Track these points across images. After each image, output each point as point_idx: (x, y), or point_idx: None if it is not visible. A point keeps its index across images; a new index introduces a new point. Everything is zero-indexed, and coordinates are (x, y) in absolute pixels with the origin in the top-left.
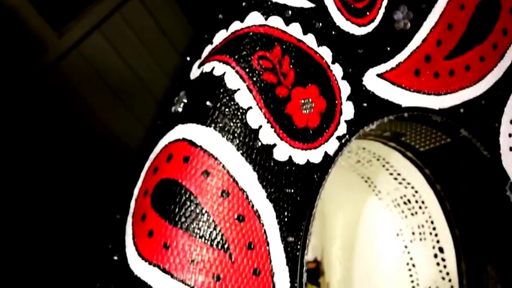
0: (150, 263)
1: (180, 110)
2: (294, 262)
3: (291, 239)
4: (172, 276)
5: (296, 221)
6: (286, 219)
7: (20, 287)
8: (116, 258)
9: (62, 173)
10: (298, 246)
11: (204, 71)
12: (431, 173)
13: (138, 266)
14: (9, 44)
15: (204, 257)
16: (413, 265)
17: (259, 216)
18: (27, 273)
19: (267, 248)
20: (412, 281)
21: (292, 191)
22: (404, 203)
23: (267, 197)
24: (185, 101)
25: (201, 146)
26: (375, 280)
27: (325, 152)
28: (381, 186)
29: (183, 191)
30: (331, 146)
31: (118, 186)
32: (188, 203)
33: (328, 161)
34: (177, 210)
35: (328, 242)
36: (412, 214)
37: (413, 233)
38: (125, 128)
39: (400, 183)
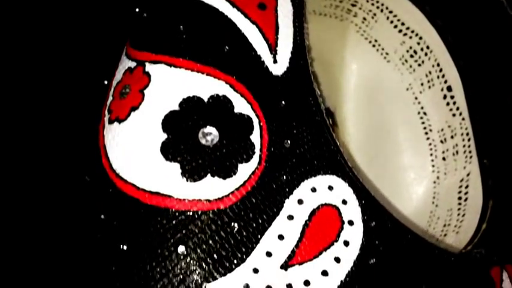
0: None
1: None
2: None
3: None
4: None
5: None
6: None
7: None
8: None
9: None
10: None
11: None
12: (431, 10)
13: None
14: None
15: None
16: (425, 113)
17: None
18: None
19: None
20: (425, 128)
21: None
22: (411, 55)
23: None
24: None
25: None
26: (389, 137)
27: None
28: (388, 45)
29: None
30: None
31: None
32: None
33: None
34: None
35: (339, 104)
36: (419, 65)
37: (422, 84)
38: None
39: (405, 34)
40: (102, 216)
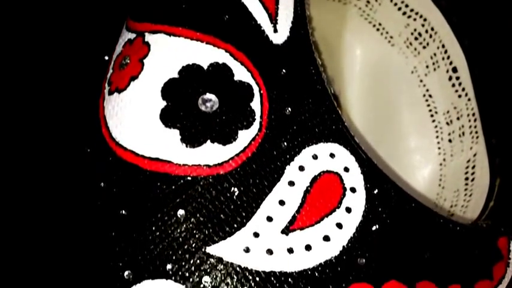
0: None
1: None
2: None
3: None
4: None
5: None
6: None
7: None
8: None
9: None
10: None
11: None
12: None
13: None
14: None
15: None
16: (430, 95)
17: None
18: None
19: None
20: (430, 110)
21: None
22: (416, 38)
23: None
24: None
25: None
26: (394, 121)
27: None
28: (392, 29)
29: None
30: None
31: None
32: None
33: None
34: None
35: (344, 88)
36: (424, 47)
37: (427, 66)
38: None
39: (409, 16)
40: (102, 184)
